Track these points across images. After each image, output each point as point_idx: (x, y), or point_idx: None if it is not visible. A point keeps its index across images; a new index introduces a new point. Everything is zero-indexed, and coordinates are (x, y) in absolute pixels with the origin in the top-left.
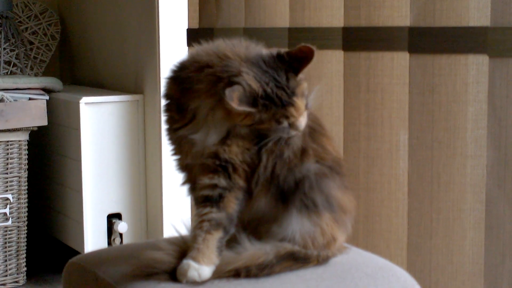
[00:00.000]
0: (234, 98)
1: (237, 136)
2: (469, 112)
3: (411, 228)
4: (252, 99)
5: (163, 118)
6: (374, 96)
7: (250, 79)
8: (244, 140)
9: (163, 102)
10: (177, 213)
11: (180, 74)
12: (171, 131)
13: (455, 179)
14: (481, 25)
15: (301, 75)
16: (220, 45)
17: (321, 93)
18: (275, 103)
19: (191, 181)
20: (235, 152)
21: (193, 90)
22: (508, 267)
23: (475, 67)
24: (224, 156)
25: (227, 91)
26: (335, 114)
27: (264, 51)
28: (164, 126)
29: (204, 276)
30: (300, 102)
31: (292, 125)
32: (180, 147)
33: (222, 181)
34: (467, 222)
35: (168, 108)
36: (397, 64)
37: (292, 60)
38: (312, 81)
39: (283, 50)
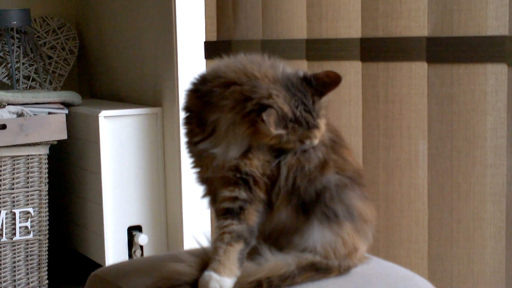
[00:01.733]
0: (271, 123)
1: (258, 150)
2: (488, 121)
3: (431, 237)
4: (284, 123)
5: (183, 131)
6: (392, 107)
7: (281, 102)
8: (264, 153)
9: (183, 114)
10: (197, 225)
11: (202, 88)
12: (191, 144)
13: (475, 189)
14: (499, 34)
15: (324, 98)
16: (244, 62)
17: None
18: (302, 126)
19: (212, 193)
20: (256, 165)
21: (216, 104)
22: None
23: (493, 76)
24: (245, 169)
25: (264, 116)
26: (354, 124)
27: (289, 70)
28: (184, 139)
29: None
30: (322, 124)
31: (310, 144)
32: (200, 160)
33: (242, 194)
34: (487, 232)
35: (188, 121)
36: (415, 74)
37: (319, 84)
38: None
39: (309, 73)
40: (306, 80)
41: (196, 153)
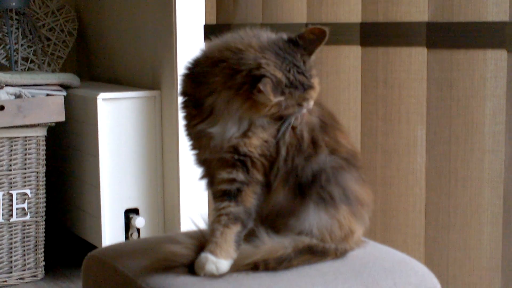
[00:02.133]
0: (269, 92)
1: (258, 127)
2: (487, 107)
3: (428, 223)
4: (280, 89)
5: (181, 115)
6: (391, 92)
7: (273, 69)
8: (264, 131)
9: (180, 99)
10: (194, 208)
11: (194, 70)
12: (189, 127)
13: (473, 174)
14: (499, 20)
15: (313, 56)
16: (227, 38)
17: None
18: (298, 88)
19: (209, 175)
20: (255, 145)
21: (208, 83)
22: None
23: (493, 62)
24: (243, 149)
25: (261, 86)
26: (353, 109)
27: (274, 36)
28: (182, 123)
29: (222, 270)
30: (316, 82)
31: (306, 107)
32: (198, 141)
33: (240, 176)
34: (484, 217)
35: (185, 105)
36: (415, 59)
37: (305, 43)
38: (329, 77)
39: (293, 34)
40: (292, 42)
41: (195, 135)
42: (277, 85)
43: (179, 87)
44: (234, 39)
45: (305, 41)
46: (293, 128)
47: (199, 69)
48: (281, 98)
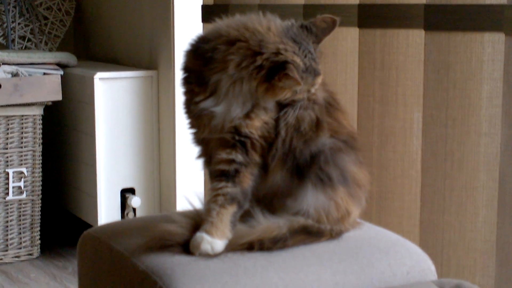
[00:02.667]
0: (297, 77)
1: (260, 109)
2: (484, 90)
3: (424, 205)
4: (300, 74)
5: (182, 90)
6: (388, 74)
7: (293, 56)
8: (266, 114)
9: (182, 75)
10: (190, 188)
11: (203, 46)
12: (190, 104)
13: (469, 157)
14: (497, 2)
15: (319, 46)
16: (243, 20)
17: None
18: (311, 74)
19: (207, 155)
20: (256, 127)
21: (218, 61)
22: None
23: (491, 45)
24: (245, 130)
25: (290, 72)
26: (350, 91)
27: (285, 23)
28: (182, 99)
29: (217, 250)
30: (321, 70)
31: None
32: (198, 120)
33: (239, 157)
34: (480, 200)
35: (187, 81)
36: (412, 41)
37: (317, 31)
38: (327, 58)
39: (306, 21)
40: (305, 28)
41: (196, 113)
42: (298, 70)
43: (182, 62)
44: (252, 20)
45: (317, 29)
46: (293, 107)
47: (209, 46)
48: (303, 84)
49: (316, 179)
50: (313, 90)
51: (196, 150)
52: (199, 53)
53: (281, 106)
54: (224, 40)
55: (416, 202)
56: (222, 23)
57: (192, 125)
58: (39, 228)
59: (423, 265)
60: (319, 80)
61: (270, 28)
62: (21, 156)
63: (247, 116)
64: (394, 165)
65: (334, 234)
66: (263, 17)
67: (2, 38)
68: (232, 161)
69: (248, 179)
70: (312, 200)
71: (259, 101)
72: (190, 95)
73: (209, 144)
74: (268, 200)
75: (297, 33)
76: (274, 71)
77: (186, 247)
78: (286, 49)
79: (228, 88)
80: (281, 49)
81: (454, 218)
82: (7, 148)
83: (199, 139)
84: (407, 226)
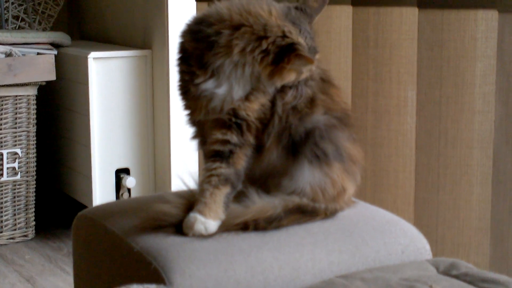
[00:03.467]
0: (308, 57)
1: (259, 92)
2: (478, 67)
3: (418, 183)
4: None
5: (178, 69)
6: (382, 52)
7: (296, 37)
8: (264, 96)
9: (178, 54)
10: (185, 168)
11: (205, 30)
12: (188, 85)
13: (463, 135)
14: None
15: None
16: (245, 4)
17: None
18: (311, 53)
19: (202, 135)
20: (253, 109)
21: (224, 45)
22: None
23: (484, 23)
24: (242, 113)
25: (302, 53)
26: (343, 69)
27: (281, 5)
28: (178, 79)
29: (210, 230)
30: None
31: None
32: (195, 102)
33: (234, 138)
34: (474, 178)
35: (185, 62)
36: (406, 19)
37: (311, 11)
38: (320, 37)
39: (299, 4)
40: (301, 10)
41: (195, 94)
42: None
43: (178, 43)
44: (252, 4)
45: (311, 9)
46: (290, 86)
47: (212, 30)
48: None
49: (311, 155)
50: (314, 68)
51: (191, 130)
52: (201, 36)
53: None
54: (228, 24)
55: (410, 180)
56: (222, 6)
57: (189, 106)
58: (33, 210)
59: (418, 244)
60: (317, 57)
61: (272, 12)
62: (15, 136)
63: (247, 98)
64: (388, 143)
65: (329, 213)
66: (264, 1)
67: None
68: (227, 142)
69: (242, 160)
70: (308, 177)
71: (260, 85)
72: (189, 76)
73: (204, 126)
74: (264, 180)
75: (296, 16)
76: (282, 54)
77: (180, 228)
78: (290, 32)
79: (231, 71)
80: (286, 31)
81: (448, 196)
82: (1, 129)
83: (194, 121)
84: (401, 204)
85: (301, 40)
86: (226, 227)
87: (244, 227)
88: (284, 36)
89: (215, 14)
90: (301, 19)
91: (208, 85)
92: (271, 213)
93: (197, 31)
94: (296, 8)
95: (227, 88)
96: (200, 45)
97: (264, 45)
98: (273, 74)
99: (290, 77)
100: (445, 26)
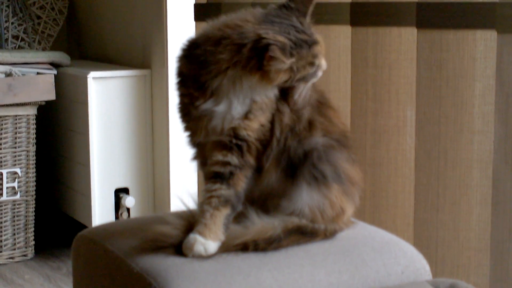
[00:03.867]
0: (281, 55)
1: (258, 109)
2: (477, 87)
3: (417, 203)
4: (287, 51)
5: (178, 94)
6: (381, 72)
7: (274, 36)
8: (263, 114)
9: (176, 79)
10: (184, 188)
11: (195, 52)
12: (189, 108)
13: (462, 155)
14: (489, 0)
15: (308, 18)
16: (225, 19)
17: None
18: (303, 47)
19: (202, 157)
20: (253, 129)
21: (213, 63)
22: None
23: (483, 43)
24: (243, 133)
25: (271, 53)
26: (343, 89)
27: (267, 9)
28: (178, 103)
29: (210, 251)
30: (320, 38)
31: (319, 66)
32: (197, 123)
33: (234, 159)
34: (473, 198)
35: (184, 85)
36: (404, 39)
37: (298, 6)
38: None
39: (284, 1)
40: (284, 7)
41: (194, 116)
42: (284, 48)
43: (175, 68)
44: (231, 17)
45: (296, 3)
46: (291, 109)
47: (201, 51)
48: (292, 60)
49: (310, 177)
50: (317, 62)
51: (190, 152)
52: (193, 58)
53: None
54: (212, 41)
55: (409, 201)
56: (208, 26)
57: (189, 128)
58: (33, 229)
59: (418, 264)
60: (319, 48)
61: (248, 19)
62: (15, 156)
63: (246, 116)
64: (387, 163)
65: (328, 234)
66: (244, 12)
67: None
68: (227, 164)
69: (242, 182)
70: (306, 199)
71: (257, 98)
72: (189, 99)
73: (205, 147)
74: (263, 201)
75: (276, 14)
76: (262, 57)
77: (180, 249)
78: (267, 33)
79: (229, 87)
80: (262, 33)
81: (448, 216)
82: (0, 149)
83: (195, 142)
84: (401, 225)
85: (280, 37)
86: (225, 248)
87: (244, 247)
88: (260, 38)
89: (202, 35)
90: (283, 15)
91: (208, 105)
92: (270, 234)
93: (189, 55)
94: (279, 6)
95: (226, 105)
96: (194, 67)
97: (245, 52)
98: (262, 79)
99: (279, 78)
100: (444, 46)
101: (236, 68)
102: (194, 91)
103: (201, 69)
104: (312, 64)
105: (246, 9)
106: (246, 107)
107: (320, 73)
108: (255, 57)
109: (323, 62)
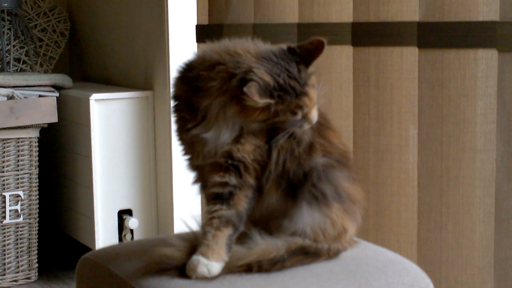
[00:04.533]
0: (254, 92)
1: (249, 134)
2: (478, 106)
3: (421, 222)
4: (269, 92)
5: (174, 118)
6: (383, 91)
7: (262, 73)
8: (256, 138)
9: (173, 103)
10: (187, 209)
11: (189, 74)
12: (183, 132)
13: (465, 173)
14: (490, 19)
15: (311, 68)
16: (227, 43)
17: (328, 90)
18: (289, 93)
19: (202, 179)
20: (248, 151)
21: (204, 88)
22: None
23: (484, 62)
24: (237, 155)
25: (246, 89)
26: (345, 109)
27: (274, 48)
28: (174, 127)
29: (214, 272)
30: (312, 92)
31: (305, 117)
32: (191, 147)
33: (232, 179)
34: (476, 216)
35: (178, 109)
36: (406, 59)
37: (303, 53)
38: (321, 76)
39: (294, 44)
40: (290, 50)
41: (188, 140)
42: (264, 88)
43: (172, 91)
44: (234, 43)
45: (302, 50)
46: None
47: (194, 73)
48: (268, 101)
49: (310, 196)
50: (300, 113)
51: (191, 175)
52: (186, 80)
53: (274, 131)
54: (207, 65)
55: (413, 219)
56: (207, 48)
57: (186, 152)
58: (36, 252)
59: (422, 283)
60: (306, 101)
61: (249, 50)
62: (18, 179)
63: (237, 141)
64: (390, 182)
65: (332, 254)
66: (250, 41)
67: None
68: (225, 184)
69: (243, 202)
70: (307, 218)
71: (246, 126)
72: (181, 122)
73: (203, 170)
74: (265, 222)
75: (278, 54)
76: (241, 91)
77: (184, 271)
78: (258, 68)
79: (217, 114)
80: (254, 67)
81: (451, 234)
82: (3, 171)
83: (194, 166)
84: (404, 244)
85: (266, 77)
86: (229, 269)
87: (248, 268)
88: (250, 71)
89: (199, 57)
90: (284, 57)
91: (198, 130)
92: (274, 254)
93: (184, 77)
94: (289, 48)
95: (215, 132)
96: (188, 90)
97: (234, 82)
98: (240, 112)
99: (256, 115)
100: (445, 65)
101: (224, 96)
102: (186, 114)
103: (193, 93)
104: (294, 113)
105: (253, 40)
106: (235, 132)
107: (306, 126)
108: (239, 89)
109: (312, 116)
